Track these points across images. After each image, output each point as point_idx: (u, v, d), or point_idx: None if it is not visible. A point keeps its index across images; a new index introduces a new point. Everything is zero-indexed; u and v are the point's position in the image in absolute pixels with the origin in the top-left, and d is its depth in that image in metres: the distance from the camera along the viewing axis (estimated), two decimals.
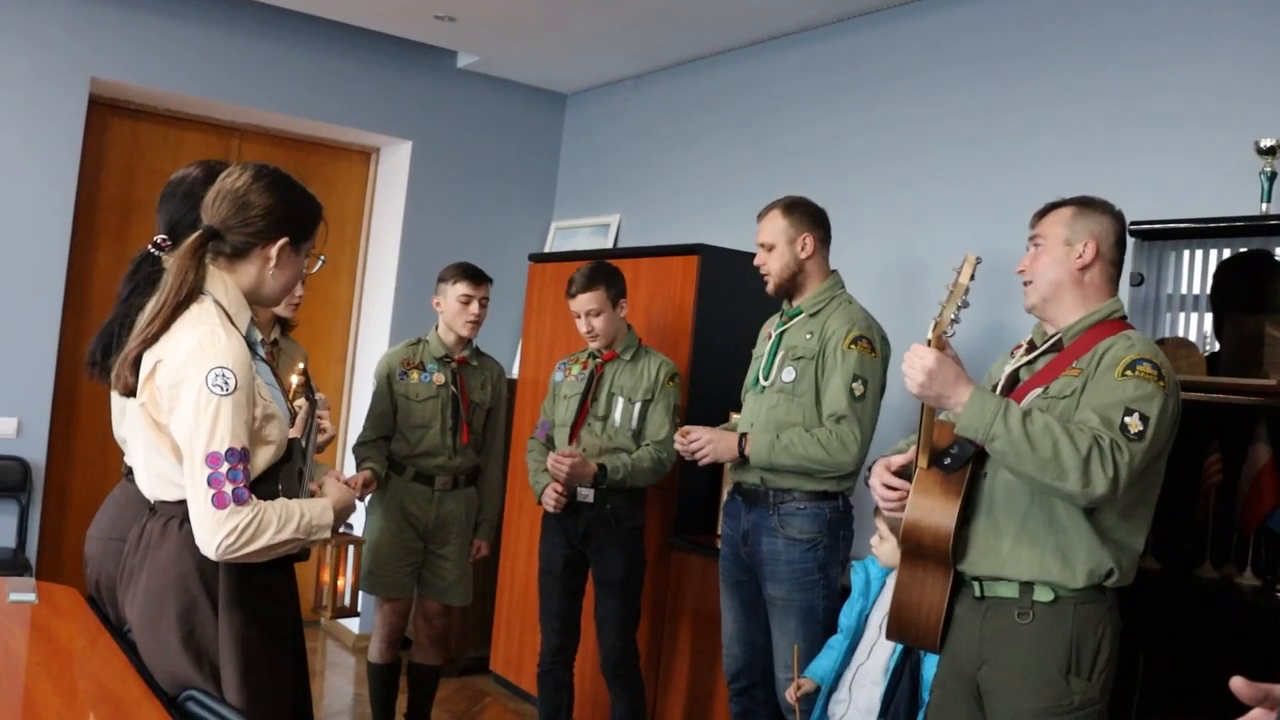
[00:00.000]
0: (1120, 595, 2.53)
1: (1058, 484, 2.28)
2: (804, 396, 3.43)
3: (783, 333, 3.54)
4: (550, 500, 3.87)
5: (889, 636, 2.76)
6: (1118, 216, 2.61)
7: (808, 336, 3.47)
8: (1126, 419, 2.31)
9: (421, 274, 5.60)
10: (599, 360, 3.99)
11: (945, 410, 2.48)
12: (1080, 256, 2.55)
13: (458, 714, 4.96)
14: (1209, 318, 3.19)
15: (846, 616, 3.25)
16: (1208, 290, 3.17)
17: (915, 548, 2.57)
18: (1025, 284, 2.64)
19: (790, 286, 3.54)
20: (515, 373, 5.70)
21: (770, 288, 3.56)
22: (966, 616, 2.58)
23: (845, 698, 3.14)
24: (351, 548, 3.74)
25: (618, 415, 3.92)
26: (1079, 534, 2.43)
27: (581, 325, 3.94)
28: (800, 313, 3.52)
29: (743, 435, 3.47)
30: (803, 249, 3.51)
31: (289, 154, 5.80)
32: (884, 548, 3.15)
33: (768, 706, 3.61)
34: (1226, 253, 3.14)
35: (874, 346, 3.42)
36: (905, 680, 2.99)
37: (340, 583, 3.72)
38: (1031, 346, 2.67)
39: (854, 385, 3.37)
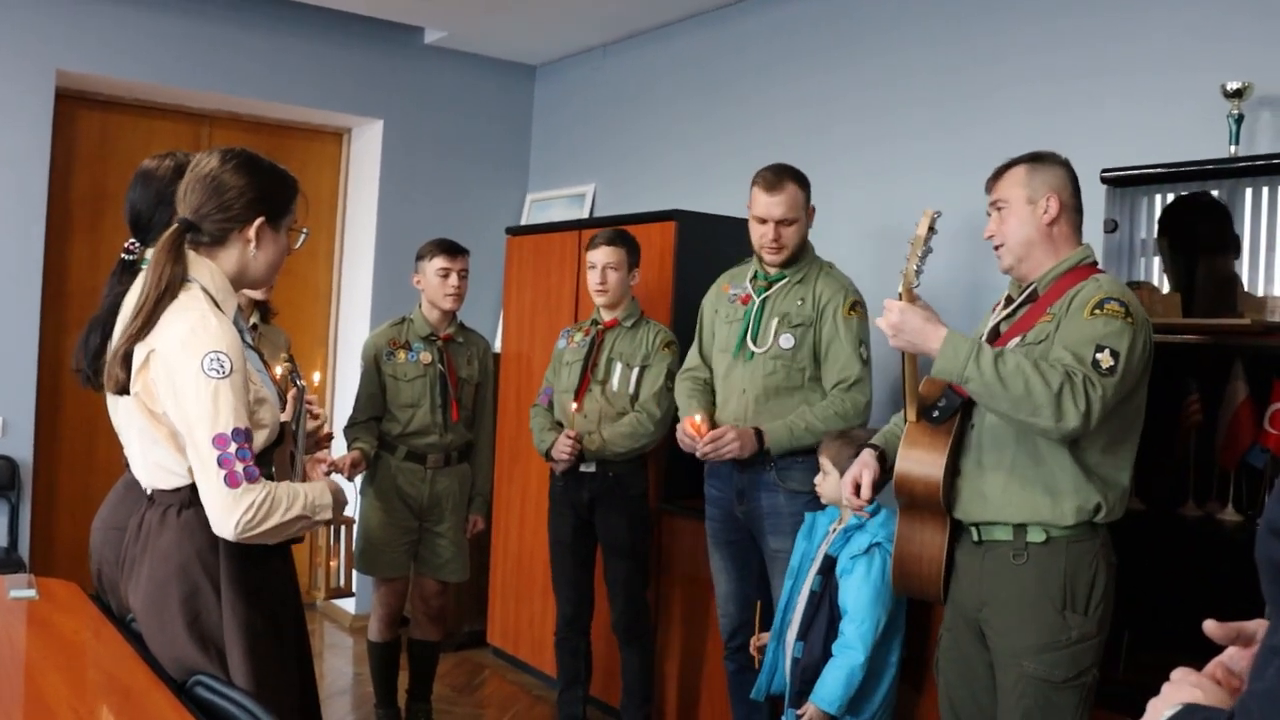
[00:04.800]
0: (1112, 533, 2.59)
1: (1032, 420, 2.37)
2: (802, 363, 3.49)
3: (765, 298, 3.56)
4: (566, 448, 3.89)
5: (895, 591, 2.84)
6: (1067, 164, 2.69)
7: (799, 303, 3.51)
8: (1098, 355, 2.38)
9: (399, 253, 5.60)
10: (600, 327, 4.04)
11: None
12: (1046, 212, 2.62)
13: (458, 688, 5.01)
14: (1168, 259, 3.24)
15: (790, 559, 3.34)
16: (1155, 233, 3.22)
17: (909, 499, 2.66)
18: (996, 248, 2.70)
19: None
20: (497, 346, 5.71)
21: (781, 260, 3.52)
22: (966, 562, 2.67)
23: (794, 628, 3.25)
24: (343, 529, 3.77)
25: (615, 380, 3.98)
26: (1064, 470, 2.50)
27: (594, 278, 3.98)
28: (783, 278, 3.55)
29: (758, 430, 3.47)
30: (809, 219, 3.57)
31: (260, 138, 5.77)
32: (826, 484, 3.23)
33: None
34: (1211, 190, 3.17)
35: (866, 311, 3.50)
36: (825, 606, 3.09)
37: (333, 564, 3.75)
38: (1010, 301, 2.74)
39: (861, 350, 3.48)
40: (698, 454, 3.50)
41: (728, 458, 3.46)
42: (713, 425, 3.53)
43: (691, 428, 3.48)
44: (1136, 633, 2.93)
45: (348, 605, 5.78)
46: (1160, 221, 3.21)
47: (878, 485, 2.85)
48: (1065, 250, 2.64)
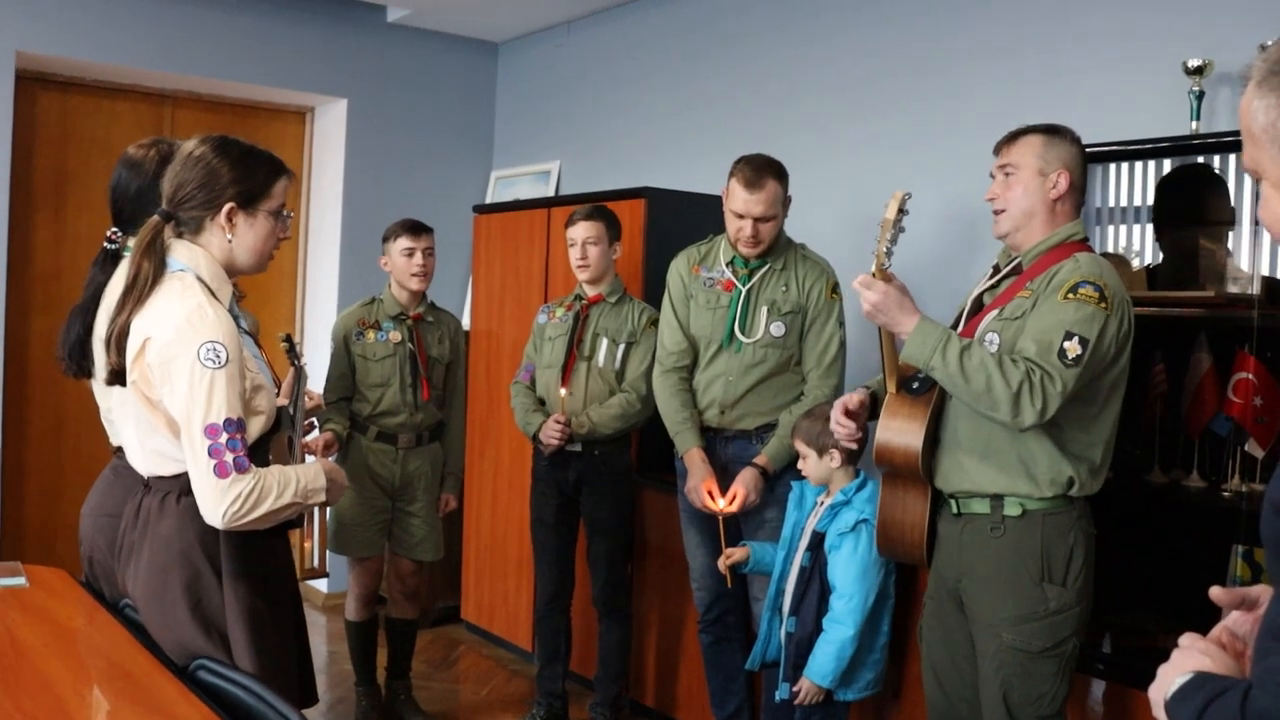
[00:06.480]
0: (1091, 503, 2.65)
1: (990, 413, 2.45)
2: (790, 349, 3.55)
3: (749, 286, 3.55)
4: (555, 433, 3.91)
5: (880, 552, 2.90)
6: (1079, 142, 2.70)
7: (784, 289, 3.54)
8: (1065, 344, 2.42)
9: (365, 232, 5.58)
10: (584, 303, 4.06)
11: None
12: (1055, 187, 2.63)
13: (435, 663, 5.05)
14: (1147, 230, 3.30)
15: (783, 529, 3.38)
16: (1148, 203, 3.26)
17: (890, 468, 2.72)
18: (996, 212, 2.70)
19: None
20: (465, 325, 5.72)
21: (757, 253, 3.52)
22: (947, 531, 2.73)
23: (786, 603, 3.29)
24: (316, 510, 3.78)
25: (601, 356, 4.00)
26: (1039, 444, 2.55)
27: (575, 254, 3.99)
28: (763, 264, 3.55)
29: (759, 468, 3.51)
30: (786, 211, 3.56)
31: (222, 119, 5.71)
32: (808, 465, 3.26)
33: (739, 631, 3.73)
34: (1166, 166, 3.23)
35: (840, 291, 3.54)
36: (815, 581, 3.14)
37: (307, 545, 3.77)
38: (996, 270, 2.78)
39: (840, 331, 3.55)
40: (720, 518, 3.52)
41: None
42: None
43: (710, 498, 3.49)
44: (1104, 596, 3.01)
45: (321, 585, 5.79)
46: (1157, 191, 3.24)
47: (863, 430, 2.89)
48: (1060, 226, 2.66)
